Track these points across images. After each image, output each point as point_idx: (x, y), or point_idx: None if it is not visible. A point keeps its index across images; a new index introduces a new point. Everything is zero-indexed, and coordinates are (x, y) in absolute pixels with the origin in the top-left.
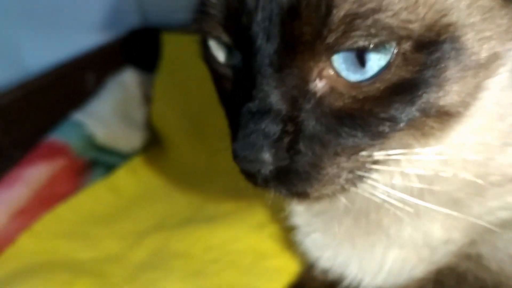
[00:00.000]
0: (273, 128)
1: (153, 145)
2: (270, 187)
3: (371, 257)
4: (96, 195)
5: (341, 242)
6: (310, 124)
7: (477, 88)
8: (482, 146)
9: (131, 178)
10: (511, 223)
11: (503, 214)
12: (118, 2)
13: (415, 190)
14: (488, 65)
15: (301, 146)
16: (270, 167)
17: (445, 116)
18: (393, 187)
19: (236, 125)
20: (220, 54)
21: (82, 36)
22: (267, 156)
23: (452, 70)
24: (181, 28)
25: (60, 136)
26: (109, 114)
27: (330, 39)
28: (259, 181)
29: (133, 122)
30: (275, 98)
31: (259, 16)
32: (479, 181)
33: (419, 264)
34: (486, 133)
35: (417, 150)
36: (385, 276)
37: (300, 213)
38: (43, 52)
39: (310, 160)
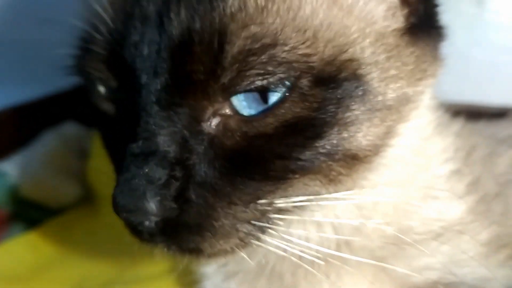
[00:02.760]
0: (158, 172)
1: (86, 201)
2: (157, 243)
3: None
4: (14, 252)
5: None
6: (202, 168)
7: (388, 133)
8: (403, 197)
9: (53, 236)
10: (439, 285)
11: (431, 275)
12: (64, 54)
13: (332, 246)
14: (399, 107)
15: (192, 194)
16: (155, 219)
17: (352, 161)
18: (307, 239)
19: (119, 168)
20: (101, 87)
21: (22, 85)
22: (150, 205)
23: (357, 111)
24: None
25: None
26: (39, 166)
27: (225, 79)
28: (144, 236)
29: (68, 176)
30: (162, 139)
31: (145, 50)
32: (402, 236)
33: None
34: (406, 184)
35: (325, 196)
36: None
37: (210, 276)
38: None
39: (202, 210)
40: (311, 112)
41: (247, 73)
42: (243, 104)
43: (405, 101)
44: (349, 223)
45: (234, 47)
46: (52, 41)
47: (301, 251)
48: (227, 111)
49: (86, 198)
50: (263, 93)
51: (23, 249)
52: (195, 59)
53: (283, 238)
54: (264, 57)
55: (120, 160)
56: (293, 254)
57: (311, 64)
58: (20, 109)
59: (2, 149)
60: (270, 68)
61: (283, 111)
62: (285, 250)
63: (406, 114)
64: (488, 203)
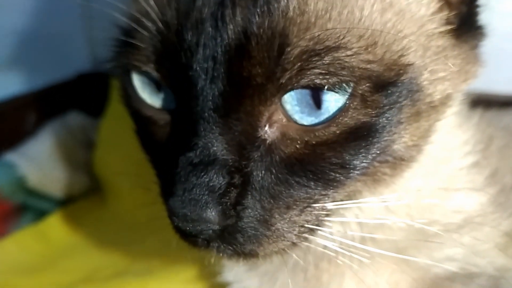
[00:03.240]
0: (218, 181)
1: (94, 192)
2: (212, 248)
3: None
4: (23, 243)
5: None
6: (259, 174)
7: (429, 131)
8: (426, 191)
9: (62, 227)
10: (460, 276)
11: (452, 266)
12: (69, 45)
13: (357, 239)
14: (440, 107)
15: (250, 200)
16: (216, 227)
17: (399, 161)
18: (344, 236)
19: (171, 178)
20: (146, 94)
21: (26, 75)
22: (213, 214)
23: (407, 113)
24: None
25: None
26: (46, 157)
27: (284, 78)
28: (200, 242)
29: (75, 167)
30: (220, 147)
31: (200, 54)
32: (425, 227)
33: None
34: (431, 177)
35: (367, 198)
36: None
37: (231, 268)
38: None
39: (259, 216)
40: (372, 117)
41: (308, 72)
42: (296, 109)
43: (447, 100)
44: (378, 221)
45: (297, 48)
46: (54, 32)
47: (341, 248)
48: (280, 115)
49: (94, 188)
50: (317, 96)
51: (33, 240)
52: (253, 63)
53: (327, 238)
54: (327, 59)
55: (170, 168)
56: (332, 251)
57: (372, 70)
58: (23, 98)
59: (7, 139)
60: (332, 70)
61: (346, 119)
62: (325, 247)
63: (445, 112)
64: (507, 194)
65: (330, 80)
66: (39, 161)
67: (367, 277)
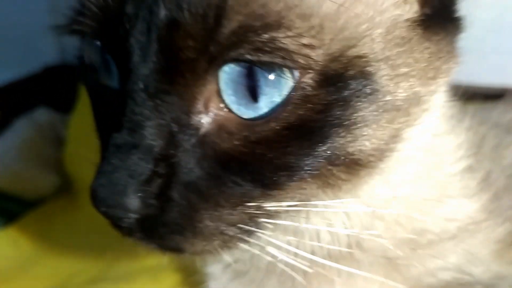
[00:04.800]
0: (141, 167)
1: (65, 191)
2: (137, 239)
3: None
4: None
5: None
6: (188, 166)
7: (396, 137)
8: (415, 198)
9: (33, 230)
10: (454, 285)
11: (445, 275)
12: (32, 36)
13: (342, 245)
14: (409, 108)
15: (174, 193)
16: (135, 216)
17: (354, 166)
18: (297, 246)
19: (102, 157)
20: (97, 71)
21: None
22: (131, 201)
23: (363, 112)
24: None
25: None
26: (14, 157)
27: (215, 51)
28: (124, 230)
29: (44, 166)
30: (148, 131)
31: (137, 28)
32: (416, 237)
33: None
34: (421, 184)
35: (323, 202)
36: None
37: (216, 276)
38: None
39: (184, 211)
40: (316, 114)
41: (241, 46)
42: (232, 99)
43: (415, 101)
44: (359, 228)
45: (233, 22)
46: (18, 22)
47: (292, 258)
48: (219, 103)
49: (65, 187)
50: (252, 88)
51: (4, 245)
52: (185, 35)
53: (270, 243)
54: (264, 36)
55: (104, 148)
56: (280, 260)
57: (315, 59)
58: None
59: None
60: (267, 48)
61: (286, 114)
62: (273, 256)
63: (417, 116)
64: (500, 199)
65: (262, 58)
66: (7, 161)
67: (358, 285)
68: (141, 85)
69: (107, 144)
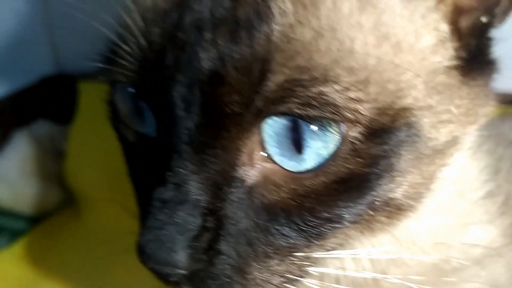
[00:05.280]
0: (189, 222)
1: (68, 205)
2: None
3: None
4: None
5: None
6: (236, 218)
7: (433, 178)
8: (441, 227)
9: (37, 249)
10: None
11: None
12: (28, 47)
13: (368, 279)
14: (445, 150)
15: (223, 245)
16: (184, 272)
17: (396, 210)
18: (337, 281)
19: (145, 210)
20: (130, 118)
21: None
22: (181, 258)
23: (405, 161)
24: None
25: None
26: (15, 174)
27: (261, 105)
28: (171, 284)
29: (46, 180)
30: (194, 185)
31: (179, 79)
32: (441, 264)
33: None
34: (447, 214)
35: (363, 244)
36: None
37: None
38: None
39: (234, 263)
40: (365, 167)
41: (288, 100)
42: (275, 151)
43: (453, 143)
44: (386, 261)
45: (280, 75)
46: (14, 34)
47: None
48: (261, 152)
49: (68, 200)
50: (297, 140)
51: (8, 265)
52: (229, 90)
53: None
54: (313, 91)
55: (145, 199)
56: None
57: (363, 113)
58: None
59: None
60: (314, 103)
61: (335, 168)
62: None
63: (451, 155)
64: None
65: (310, 113)
66: (8, 179)
67: None
68: (186, 139)
69: (149, 197)
